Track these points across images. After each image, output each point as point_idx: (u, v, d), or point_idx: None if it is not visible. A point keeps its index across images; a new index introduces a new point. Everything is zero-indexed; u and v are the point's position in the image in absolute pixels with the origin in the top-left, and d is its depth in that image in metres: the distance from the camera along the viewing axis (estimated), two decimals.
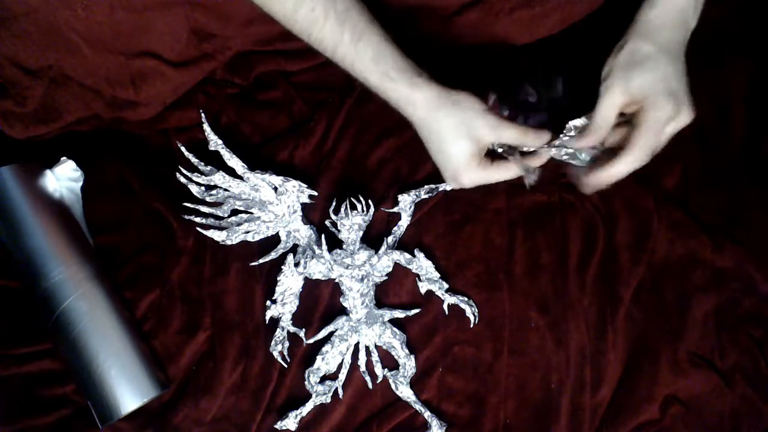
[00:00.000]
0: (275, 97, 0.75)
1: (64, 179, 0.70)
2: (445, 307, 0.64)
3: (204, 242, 0.68)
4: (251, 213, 0.68)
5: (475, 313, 0.64)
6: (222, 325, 0.66)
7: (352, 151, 0.71)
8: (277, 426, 0.62)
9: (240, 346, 0.65)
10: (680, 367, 0.61)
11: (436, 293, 0.65)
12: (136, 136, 0.75)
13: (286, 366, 0.64)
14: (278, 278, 0.65)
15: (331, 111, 0.73)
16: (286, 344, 0.64)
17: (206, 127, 0.68)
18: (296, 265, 0.65)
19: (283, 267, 0.65)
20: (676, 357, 0.61)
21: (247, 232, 0.67)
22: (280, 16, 0.57)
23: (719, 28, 0.72)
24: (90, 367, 0.61)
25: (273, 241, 0.68)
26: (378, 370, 0.63)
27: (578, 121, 0.56)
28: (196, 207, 0.67)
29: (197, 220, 0.67)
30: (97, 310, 0.63)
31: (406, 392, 0.62)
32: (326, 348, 0.63)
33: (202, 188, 0.68)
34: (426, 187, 0.67)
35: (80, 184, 0.71)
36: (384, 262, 0.65)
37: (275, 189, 0.68)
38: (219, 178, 0.67)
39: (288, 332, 0.65)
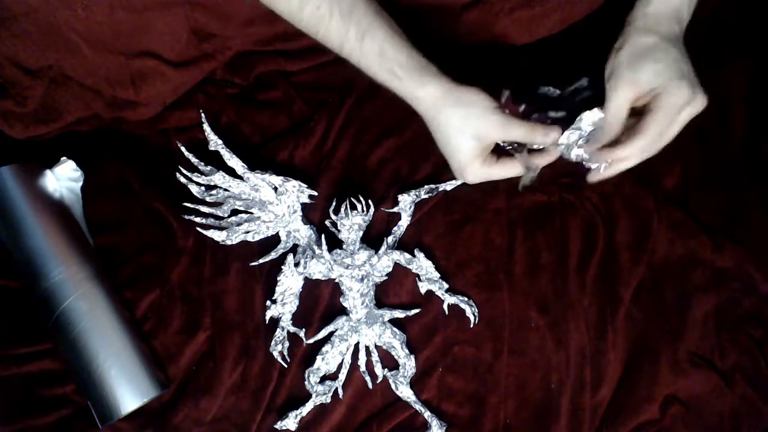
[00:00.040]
0: (275, 97, 0.75)
1: (64, 179, 0.70)
2: (445, 307, 0.64)
3: (204, 242, 0.68)
4: (251, 213, 0.68)
5: (475, 313, 0.64)
6: (222, 325, 0.66)
7: (352, 151, 0.71)
8: (277, 426, 0.62)
9: (240, 346, 0.65)
10: (680, 367, 0.61)
11: (436, 293, 0.65)
12: (136, 136, 0.75)
13: (286, 366, 0.64)
14: (278, 278, 0.65)
15: (331, 111, 0.73)
16: (286, 344, 0.64)
17: (206, 127, 0.68)
18: (296, 265, 0.65)
19: (283, 267, 0.65)
20: (676, 357, 0.61)
21: (247, 232, 0.67)
22: (286, 15, 0.58)
23: (719, 28, 0.72)
24: (90, 367, 0.61)
25: (273, 241, 0.68)
26: (378, 370, 0.63)
27: (592, 114, 0.55)
28: (196, 207, 0.67)
29: (197, 220, 0.67)
30: (97, 310, 0.63)
31: (406, 392, 0.62)
32: (326, 348, 0.63)
33: (202, 188, 0.68)
34: (426, 187, 0.67)
35: (80, 184, 0.71)
36: (384, 262, 0.65)
37: (275, 189, 0.68)
38: (219, 178, 0.67)
39: (288, 332, 0.65)
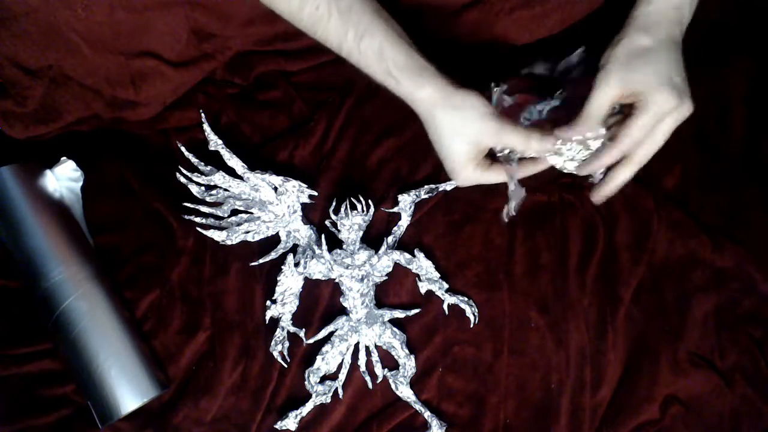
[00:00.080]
0: (275, 97, 0.75)
1: (64, 179, 0.70)
2: (445, 307, 0.64)
3: (204, 242, 0.68)
4: (251, 213, 0.68)
5: (475, 313, 0.64)
6: (222, 325, 0.66)
7: (352, 151, 0.71)
8: (277, 426, 0.62)
9: (240, 346, 0.65)
10: (680, 367, 0.61)
11: (436, 293, 0.65)
12: (136, 136, 0.75)
13: (286, 366, 0.64)
14: (278, 278, 0.65)
15: (331, 111, 0.73)
16: (286, 344, 0.64)
17: (206, 127, 0.68)
18: (296, 265, 0.65)
19: (283, 267, 0.65)
20: (676, 357, 0.61)
21: (247, 232, 0.67)
22: (286, 15, 0.58)
23: (719, 28, 0.72)
24: (90, 367, 0.61)
25: (273, 241, 0.68)
26: (378, 370, 0.63)
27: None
28: (196, 207, 0.67)
29: (197, 220, 0.67)
30: (97, 310, 0.63)
31: (406, 392, 0.62)
32: (326, 348, 0.63)
33: (202, 188, 0.68)
34: (426, 187, 0.67)
35: (80, 184, 0.71)
36: (384, 262, 0.65)
37: (275, 189, 0.68)
38: (219, 178, 0.67)
39: (288, 332, 0.65)
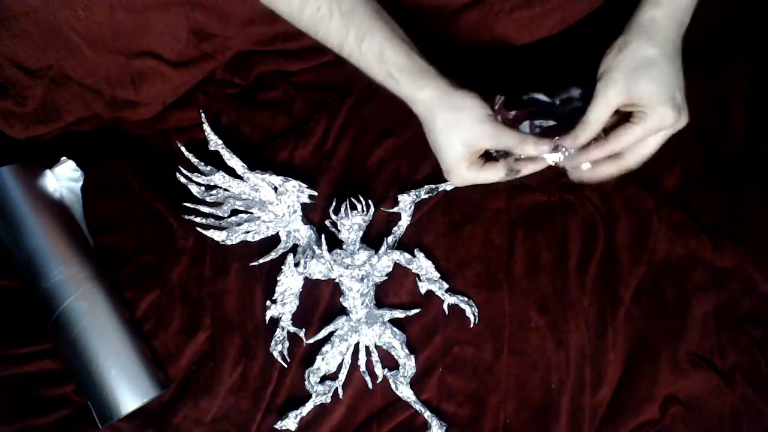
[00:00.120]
0: (275, 97, 0.75)
1: (64, 179, 0.70)
2: (445, 307, 0.64)
3: (204, 242, 0.68)
4: (251, 213, 0.68)
5: (475, 313, 0.64)
6: (222, 325, 0.66)
7: (352, 151, 0.71)
8: (277, 426, 0.62)
9: (240, 346, 0.65)
10: (680, 367, 0.61)
11: (436, 293, 0.65)
12: (136, 136, 0.75)
13: (286, 366, 0.64)
14: (278, 278, 0.65)
15: (331, 111, 0.73)
16: (286, 344, 0.64)
17: (206, 127, 0.68)
18: (296, 265, 0.65)
19: (283, 267, 0.65)
20: (676, 357, 0.61)
21: (247, 232, 0.67)
22: (286, 15, 0.58)
23: (719, 29, 0.72)
24: (90, 367, 0.61)
25: (273, 241, 0.68)
26: (378, 370, 0.63)
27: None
28: (196, 207, 0.67)
29: (197, 220, 0.67)
30: (97, 310, 0.63)
31: (406, 392, 0.62)
32: (326, 348, 0.63)
33: (202, 188, 0.68)
34: (426, 187, 0.67)
35: (80, 184, 0.71)
36: (384, 262, 0.65)
37: (275, 189, 0.68)
38: (219, 178, 0.67)
39: (288, 332, 0.65)
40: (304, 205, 0.68)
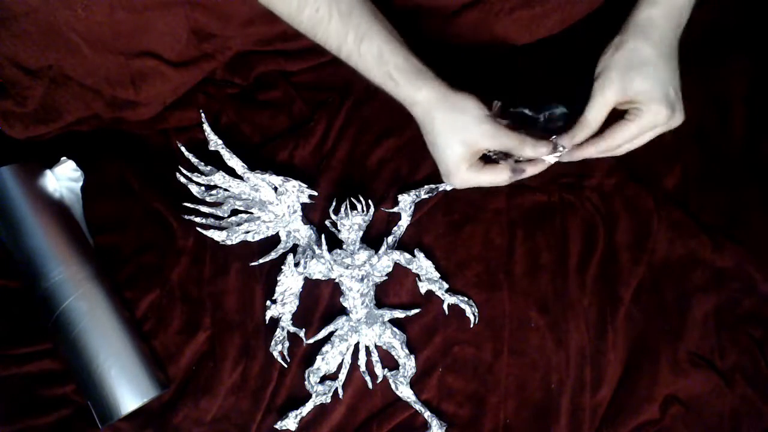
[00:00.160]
0: (275, 97, 0.75)
1: (64, 179, 0.70)
2: (445, 307, 0.64)
3: (204, 242, 0.68)
4: (251, 213, 0.68)
5: (475, 313, 0.64)
6: (222, 325, 0.66)
7: (352, 151, 0.71)
8: (277, 426, 0.62)
9: (240, 346, 0.65)
10: (680, 367, 0.61)
11: (436, 293, 0.65)
12: (136, 136, 0.75)
13: (286, 366, 0.64)
14: (278, 278, 0.65)
15: (331, 111, 0.73)
16: (286, 344, 0.64)
17: (206, 127, 0.68)
18: (296, 265, 0.65)
19: (283, 267, 0.65)
20: (676, 357, 0.61)
21: (247, 232, 0.67)
22: (285, 16, 0.58)
23: (719, 29, 0.72)
24: (90, 367, 0.61)
25: (273, 241, 0.68)
26: (378, 370, 0.63)
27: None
28: (196, 207, 0.67)
29: (197, 220, 0.67)
30: (97, 310, 0.63)
31: (406, 392, 0.62)
32: (326, 348, 0.63)
33: (202, 188, 0.68)
34: (426, 187, 0.67)
35: (80, 184, 0.71)
36: (384, 262, 0.65)
37: (275, 189, 0.68)
38: (219, 178, 0.67)
39: (288, 332, 0.65)
40: (304, 205, 0.68)
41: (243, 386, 0.64)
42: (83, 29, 0.66)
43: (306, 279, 0.66)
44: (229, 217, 0.68)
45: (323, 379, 0.63)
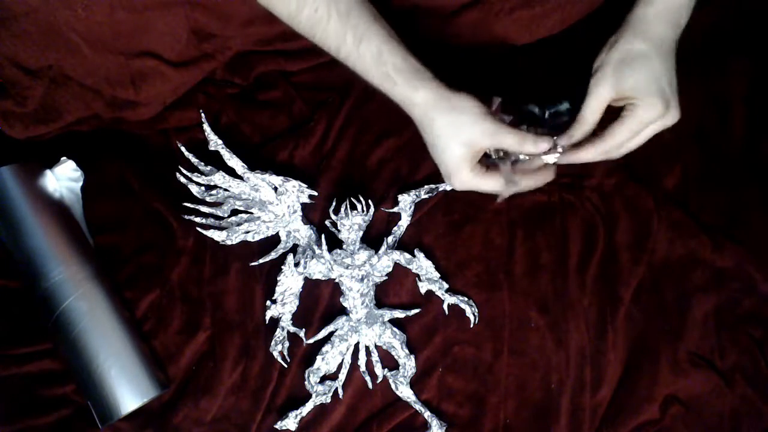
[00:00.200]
0: (275, 97, 0.75)
1: (64, 179, 0.70)
2: (445, 307, 0.64)
3: (204, 242, 0.68)
4: (251, 213, 0.68)
5: (475, 313, 0.64)
6: (222, 325, 0.66)
7: (352, 151, 0.71)
8: (277, 426, 0.62)
9: (240, 346, 0.65)
10: (680, 367, 0.61)
11: (436, 293, 0.65)
12: (136, 136, 0.75)
13: (286, 366, 0.64)
14: (278, 278, 0.65)
15: (331, 111, 0.73)
16: (286, 344, 0.64)
17: (206, 127, 0.68)
18: (296, 265, 0.65)
19: (283, 267, 0.65)
20: (676, 357, 0.61)
21: (247, 232, 0.67)
22: (284, 17, 0.58)
23: (719, 29, 0.72)
24: (90, 367, 0.61)
25: (273, 241, 0.68)
26: (378, 370, 0.63)
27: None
28: (196, 207, 0.67)
29: (197, 220, 0.67)
30: (97, 310, 0.63)
31: (406, 392, 0.62)
32: (326, 348, 0.63)
33: (202, 188, 0.68)
34: (426, 187, 0.67)
35: (80, 184, 0.71)
36: (384, 262, 0.65)
37: (275, 189, 0.68)
38: (219, 178, 0.67)
39: (288, 332, 0.65)
40: (304, 205, 0.68)
41: (243, 386, 0.64)
42: (83, 29, 0.66)
43: (306, 279, 0.66)
44: (229, 217, 0.68)
45: (323, 379, 0.63)
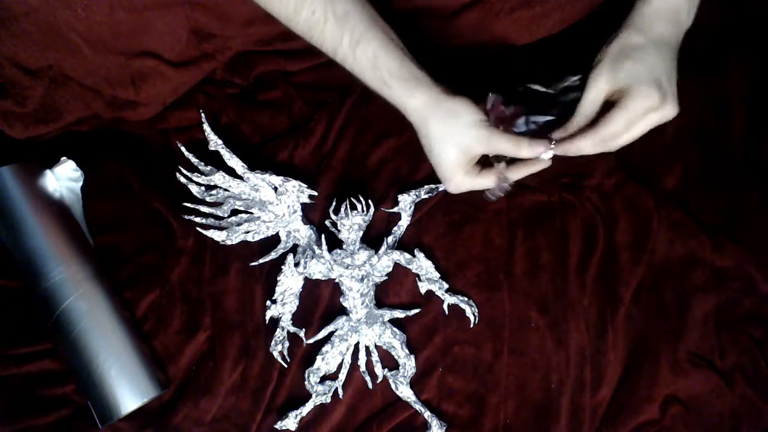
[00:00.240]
0: (275, 97, 0.75)
1: (64, 179, 0.70)
2: (445, 307, 0.64)
3: (204, 242, 0.68)
4: (251, 213, 0.68)
5: (475, 313, 0.64)
6: (222, 325, 0.66)
7: (352, 151, 0.71)
8: (277, 426, 0.62)
9: (240, 346, 0.65)
10: (680, 367, 0.61)
11: (436, 293, 0.65)
12: (136, 136, 0.75)
13: (286, 366, 0.64)
14: (278, 278, 0.65)
15: (331, 111, 0.73)
16: (286, 344, 0.64)
17: (206, 127, 0.68)
18: (296, 265, 0.65)
19: (283, 267, 0.65)
20: (676, 357, 0.61)
21: (247, 232, 0.67)
22: (282, 18, 0.58)
23: (719, 29, 0.72)
24: (90, 367, 0.61)
25: (273, 241, 0.68)
26: (378, 370, 0.63)
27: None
28: (196, 207, 0.67)
29: (197, 220, 0.67)
30: (97, 310, 0.63)
31: (406, 392, 0.62)
32: (326, 348, 0.63)
33: (202, 188, 0.68)
34: (426, 187, 0.68)
35: (80, 184, 0.71)
36: (384, 262, 0.65)
37: (275, 189, 0.68)
38: (219, 178, 0.67)
39: (288, 332, 0.65)
40: (304, 205, 0.68)
41: (243, 386, 0.64)
42: (83, 29, 0.66)
43: (306, 279, 0.66)
44: (229, 217, 0.68)
45: (323, 379, 0.63)
